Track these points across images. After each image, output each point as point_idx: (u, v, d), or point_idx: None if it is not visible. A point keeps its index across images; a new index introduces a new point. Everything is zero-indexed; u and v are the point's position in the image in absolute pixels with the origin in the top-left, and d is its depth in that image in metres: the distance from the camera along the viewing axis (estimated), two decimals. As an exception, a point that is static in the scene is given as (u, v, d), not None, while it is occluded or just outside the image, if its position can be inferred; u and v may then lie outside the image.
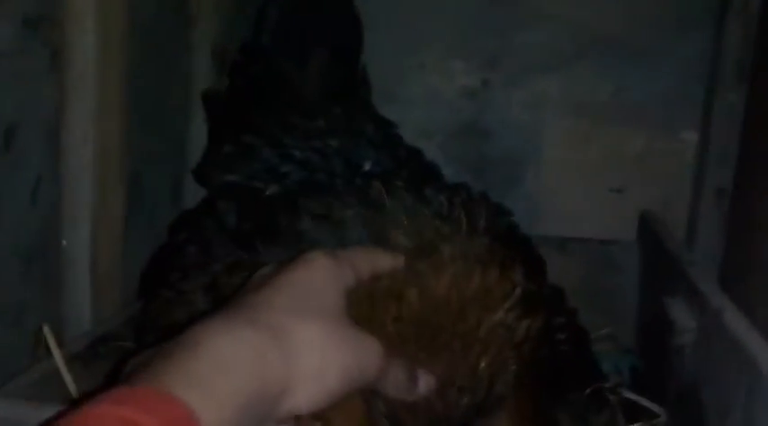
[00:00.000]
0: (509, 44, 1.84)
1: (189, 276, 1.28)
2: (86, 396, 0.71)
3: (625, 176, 1.86)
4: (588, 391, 1.26)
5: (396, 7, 1.85)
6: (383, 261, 1.07)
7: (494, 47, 1.85)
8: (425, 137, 1.83)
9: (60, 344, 1.15)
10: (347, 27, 1.60)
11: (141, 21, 1.47)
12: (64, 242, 1.31)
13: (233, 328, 0.79)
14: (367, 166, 1.44)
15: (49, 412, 0.86)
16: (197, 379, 0.73)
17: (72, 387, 1.09)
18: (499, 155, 1.88)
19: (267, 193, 1.36)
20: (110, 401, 0.68)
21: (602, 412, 1.32)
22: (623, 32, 1.77)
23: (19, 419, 0.86)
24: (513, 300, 1.13)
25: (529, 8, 1.82)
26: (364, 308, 1.06)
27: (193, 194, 1.68)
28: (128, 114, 1.41)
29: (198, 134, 1.70)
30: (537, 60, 1.83)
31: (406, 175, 1.42)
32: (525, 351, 1.13)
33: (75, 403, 0.71)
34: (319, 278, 0.91)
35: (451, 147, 1.87)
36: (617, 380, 1.43)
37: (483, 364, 1.06)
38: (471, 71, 1.87)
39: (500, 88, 1.86)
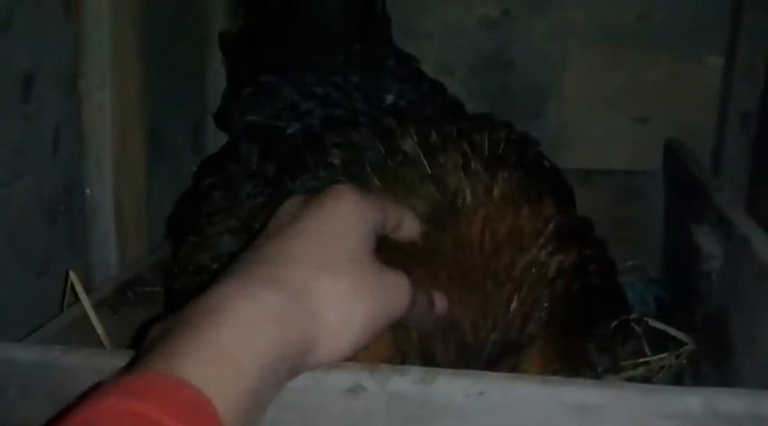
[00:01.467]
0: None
1: (215, 220, 1.28)
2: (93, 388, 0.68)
3: (649, 105, 1.82)
4: (615, 323, 1.26)
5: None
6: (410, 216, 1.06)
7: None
8: (446, 71, 1.80)
9: (88, 290, 1.16)
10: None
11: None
12: (87, 190, 1.32)
13: (252, 291, 0.76)
14: (389, 100, 1.42)
15: (77, 356, 0.88)
16: (217, 350, 0.71)
17: (101, 331, 1.11)
18: (522, 87, 1.84)
19: (289, 131, 1.36)
20: (119, 392, 0.65)
21: (629, 342, 1.32)
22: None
23: (48, 362, 0.87)
24: (545, 236, 1.13)
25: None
26: (394, 253, 1.07)
27: (214, 139, 1.68)
28: (144, 58, 1.40)
29: (216, 77, 1.69)
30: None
31: (430, 110, 1.42)
32: (558, 287, 1.12)
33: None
34: (345, 215, 0.88)
35: (473, 81, 1.84)
36: (643, 310, 1.43)
37: (515, 303, 1.05)
38: (491, 0, 1.83)
39: (521, 17, 1.81)
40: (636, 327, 1.32)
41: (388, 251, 1.00)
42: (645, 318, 1.34)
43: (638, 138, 1.82)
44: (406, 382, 0.84)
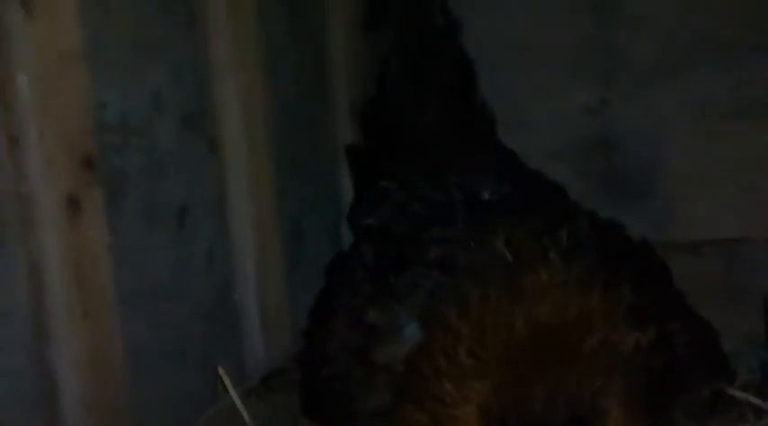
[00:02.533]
0: (623, 58, 1.90)
1: (338, 315, 1.49)
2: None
3: (753, 173, 1.85)
4: (710, 391, 1.32)
5: (511, 40, 1.97)
6: None
7: (609, 63, 1.91)
8: (554, 156, 1.92)
9: (238, 383, 1.40)
10: (459, 68, 1.76)
11: (284, 97, 1.73)
12: (236, 296, 1.57)
13: None
14: (485, 195, 1.59)
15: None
16: None
17: (246, 417, 1.33)
18: (627, 167, 1.93)
19: (396, 231, 1.55)
20: None
21: (729, 410, 1.37)
22: (735, 32, 1.78)
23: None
24: (617, 317, 1.24)
25: (637, 22, 1.87)
26: (478, 336, 1.22)
27: (351, 238, 1.90)
28: (279, 179, 1.66)
29: (350, 183, 1.93)
30: (652, 70, 1.87)
31: (519, 201, 1.56)
32: (635, 363, 1.22)
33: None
34: None
35: (580, 164, 1.95)
36: (750, 378, 1.45)
37: (585, 380, 1.16)
38: (590, 89, 1.94)
39: (620, 102, 1.92)
40: (737, 395, 1.36)
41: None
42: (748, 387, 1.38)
43: (746, 207, 1.84)
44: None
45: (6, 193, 1.11)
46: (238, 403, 1.32)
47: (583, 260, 1.30)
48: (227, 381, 1.33)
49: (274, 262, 1.63)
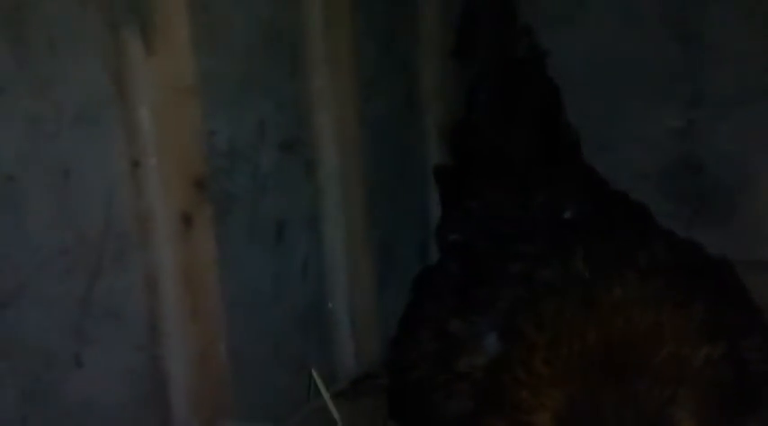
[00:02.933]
0: (707, 83, 1.93)
1: (423, 325, 1.59)
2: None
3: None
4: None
5: (598, 64, 2.03)
6: None
7: (692, 87, 1.95)
8: (642, 177, 1.97)
9: (329, 385, 1.51)
10: (544, 94, 1.83)
11: (376, 122, 1.85)
12: (330, 304, 1.69)
13: None
14: (567, 215, 1.66)
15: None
16: None
17: (337, 417, 1.44)
18: (713, 187, 1.96)
19: (480, 247, 1.64)
20: None
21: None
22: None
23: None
24: (688, 331, 1.29)
25: (717, 47, 1.91)
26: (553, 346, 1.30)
27: (438, 252, 2.00)
28: (370, 199, 1.78)
29: (438, 203, 2.02)
30: (735, 94, 1.89)
31: (601, 219, 1.62)
32: (706, 376, 1.27)
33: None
34: None
35: (668, 184, 1.99)
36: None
37: (655, 392, 1.22)
38: (675, 111, 1.98)
39: (705, 124, 1.95)
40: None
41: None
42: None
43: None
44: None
45: (127, 210, 1.27)
46: (329, 403, 1.43)
47: (657, 278, 1.35)
48: (319, 382, 1.45)
49: (365, 275, 1.75)
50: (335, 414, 1.44)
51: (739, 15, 1.92)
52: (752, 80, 1.87)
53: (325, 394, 1.45)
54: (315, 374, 1.46)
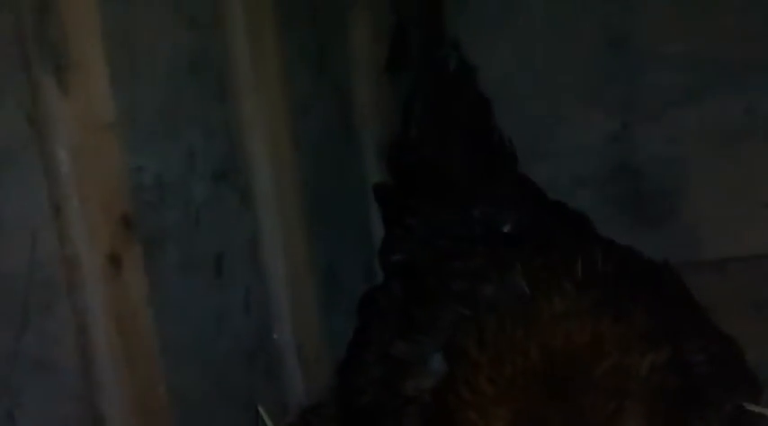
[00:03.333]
0: (639, 86, 1.95)
1: (368, 349, 1.56)
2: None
3: (773, 190, 1.88)
4: (733, 407, 1.35)
5: (532, 72, 2.04)
6: None
7: (626, 91, 1.97)
8: (579, 183, 1.98)
9: (280, 419, 1.48)
10: (477, 107, 1.83)
11: (312, 144, 1.82)
12: (275, 335, 1.65)
13: None
14: (506, 228, 1.65)
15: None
16: None
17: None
18: (651, 191, 1.97)
19: (420, 266, 1.62)
20: None
21: (758, 423, 1.39)
22: (744, 54, 1.81)
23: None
24: (630, 340, 1.28)
25: (648, 51, 1.92)
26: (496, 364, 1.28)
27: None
28: (310, 223, 1.75)
29: (380, 223, 2.00)
30: (668, 97, 1.92)
31: (538, 233, 1.62)
32: (653, 383, 1.27)
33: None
34: None
35: (606, 190, 2.00)
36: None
37: (599, 403, 1.21)
38: (610, 116, 2.00)
39: (640, 128, 1.97)
40: (762, 410, 1.39)
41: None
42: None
43: (768, 222, 1.87)
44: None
45: (52, 256, 1.22)
46: (277, 440, 1.40)
47: (596, 288, 1.35)
48: (266, 417, 1.41)
49: (309, 302, 1.71)
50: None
51: (668, 17, 1.94)
52: (682, 83, 1.89)
53: (272, 430, 1.42)
54: (261, 410, 1.43)
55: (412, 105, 1.89)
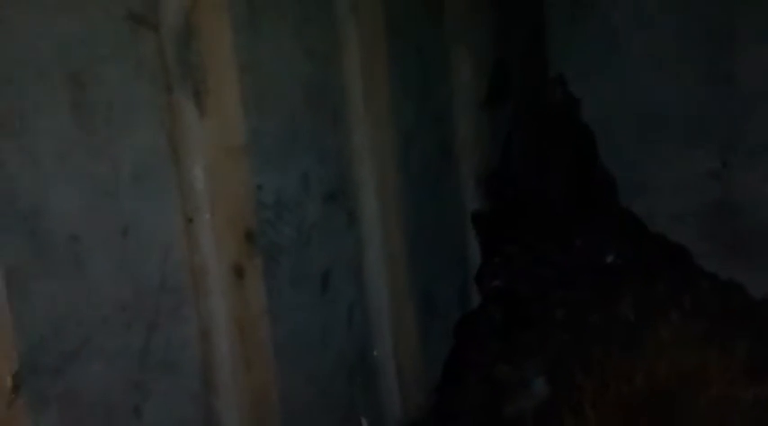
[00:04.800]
0: (741, 125, 1.96)
1: (467, 371, 1.61)
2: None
3: None
4: None
5: (630, 107, 2.07)
6: None
7: (727, 129, 1.98)
8: (677, 221, 1.99)
9: (378, 433, 1.54)
10: (578, 140, 1.87)
11: (413, 172, 1.89)
12: (375, 352, 1.71)
13: None
14: (609, 259, 1.68)
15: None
16: None
17: (387, 465, 1.46)
18: (750, 229, 1.97)
19: (522, 293, 1.66)
20: None
21: None
22: None
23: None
24: (732, 373, 1.30)
25: (752, 91, 1.94)
26: (600, 390, 1.31)
27: (479, 299, 2.02)
28: (411, 247, 1.81)
29: (477, 248, 2.05)
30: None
31: (644, 263, 1.64)
32: (754, 416, 1.28)
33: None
34: None
35: (703, 227, 2.01)
36: None
37: (704, 431, 1.23)
38: (710, 154, 2.01)
39: (740, 166, 1.98)
40: None
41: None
42: None
43: None
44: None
45: (182, 264, 1.31)
46: (379, 452, 1.45)
47: (702, 320, 1.37)
48: (369, 431, 1.47)
49: (408, 322, 1.77)
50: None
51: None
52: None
53: (375, 444, 1.47)
54: (364, 422, 1.48)
55: (511, 138, 1.95)
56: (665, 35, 2.07)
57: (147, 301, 1.26)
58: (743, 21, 1.99)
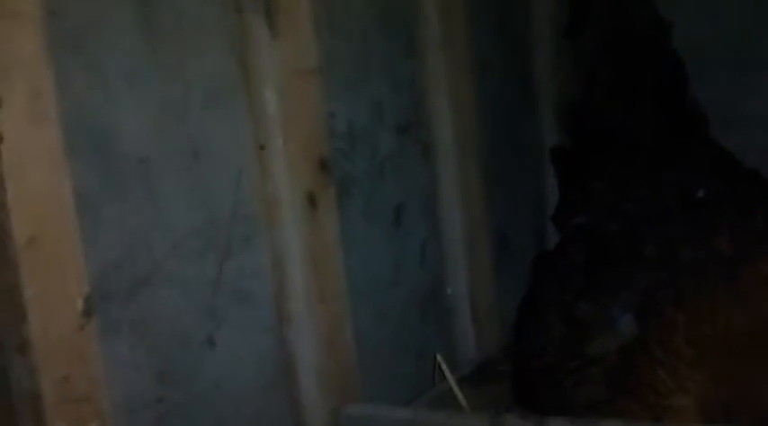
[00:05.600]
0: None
1: (548, 309, 1.54)
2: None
3: None
4: None
5: (724, 37, 1.94)
6: None
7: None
8: (769, 154, 1.87)
9: (452, 370, 1.49)
10: (669, 70, 1.76)
11: (491, 105, 1.81)
12: (449, 290, 1.66)
13: None
14: (700, 194, 1.58)
15: (440, 415, 1.18)
16: None
17: (463, 402, 1.41)
18: None
19: (609, 230, 1.57)
20: None
21: None
22: None
23: (420, 420, 1.19)
24: None
25: None
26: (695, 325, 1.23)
27: (554, 237, 1.94)
28: (487, 182, 1.73)
29: (553, 186, 1.97)
30: None
31: (738, 197, 1.54)
32: None
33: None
34: None
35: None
36: None
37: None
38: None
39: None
40: None
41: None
42: None
43: None
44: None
45: (255, 191, 1.27)
46: (456, 388, 1.40)
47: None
48: (445, 367, 1.42)
49: (483, 260, 1.71)
50: (462, 400, 1.41)
51: None
52: None
53: (451, 380, 1.42)
54: (440, 359, 1.44)
55: (596, 67, 1.85)
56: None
57: (219, 228, 1.22)
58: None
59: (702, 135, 1.74)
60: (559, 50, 1.98)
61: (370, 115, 1.51)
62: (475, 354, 1.65)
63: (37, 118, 0.96)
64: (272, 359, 1.31)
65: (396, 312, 1.55)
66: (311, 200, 1.29)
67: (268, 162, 1.26)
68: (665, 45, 1.74)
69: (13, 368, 0.97)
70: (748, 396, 1.14)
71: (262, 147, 1.26)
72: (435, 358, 1.47)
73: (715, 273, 1.29)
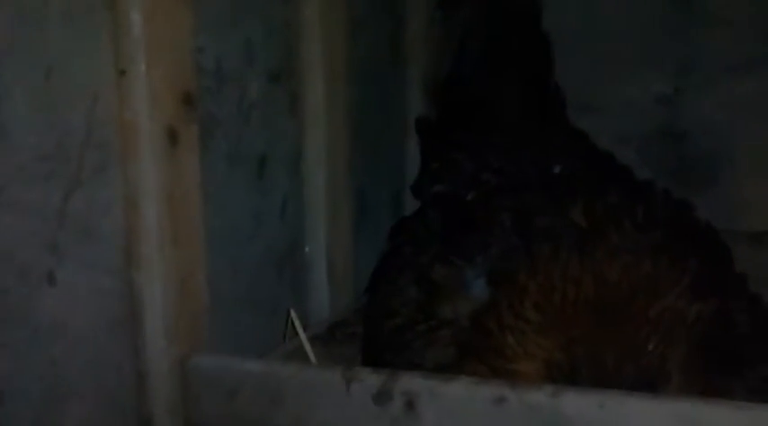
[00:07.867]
0: (697, 50, 1.93)
1: (403, 272, 1.54)
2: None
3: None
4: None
5: (587, 24, 2.01)
6: None
7: (682, 54, 1.94)
8: (623, 142, 1.94)
9: (304, 328, 1.45)
10: (536, 49, 1.80)
11: (362, 65, 1.78)
12: (306, 248, 1.63)
13: None
14: (557, 170, 1.62)
15: (291, 367, 1.15)
16: None
17: (313, 359, 1.38)
18: (695, 156, 1.96)
19: (468, 198, 1.59)
20: None
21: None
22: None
23: (271, 372, 1.15)
24: (682, 286, 1.27)
25: (711, 14, 1.90)
26: (545, 291, 1.26)
27: (411, 206, 1.95)
28: (352, 143, 1.71)
29: (414, 155, 1.97)
30: (726, 64, 1.89)
31: (594, 175, 1.59)
32: (697, 332, 1.25)
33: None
34: None
35: (648, 151, 1.98)
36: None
37: (651, 343, 1.19)
38: (664, 77, 1.97)
39: (692, 92, 1.95)
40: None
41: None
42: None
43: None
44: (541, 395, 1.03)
45: (111, 119, 1.18)
46: (306, 344, 1.37)
47: (655, 231, 1.33)
48: (297, 323, 1.39)
49: (343, 220, 1.68)
50: (311, 356, 1.38)
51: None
52: (744, 49, 1.87)
53: (303, 336, 1.39)
54: (293, 314, 1.40)
55: (467, 40, 1.86)
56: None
57: (69, 154, 1.12)
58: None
59: (561, 118, 1.79)
60: (433, 20, 1.98)
61: (240, 57, 1.44)
62: (328, 314, 1.63)
63: None
64: (117, 302, 1.22)
65: (251, 265, 1.50)
66: (172, 135, 1.21)
67: (128, 88, 1.17)
68: (536, 25, 1.77)
69: None
70: (593, 359, 1.18)
71: (122, 72, 1.17)
72: (288, 314, 1.43)
73: (568, 243, 1.32)
